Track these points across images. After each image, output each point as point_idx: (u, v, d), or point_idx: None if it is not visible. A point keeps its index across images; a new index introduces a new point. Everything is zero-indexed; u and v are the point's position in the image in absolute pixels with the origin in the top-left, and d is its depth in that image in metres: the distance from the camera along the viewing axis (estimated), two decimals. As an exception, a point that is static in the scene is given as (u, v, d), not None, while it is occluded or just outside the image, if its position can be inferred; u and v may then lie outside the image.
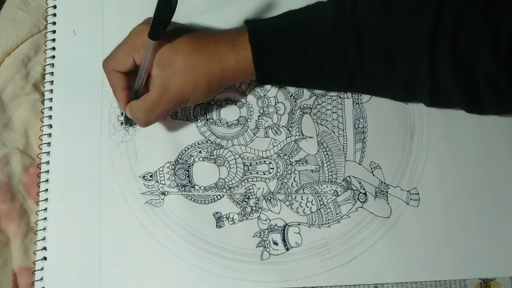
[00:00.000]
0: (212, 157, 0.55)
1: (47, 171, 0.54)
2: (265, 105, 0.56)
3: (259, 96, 0.56)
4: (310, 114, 0.56)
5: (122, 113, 0.55)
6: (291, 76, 0.52)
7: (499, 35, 0.45)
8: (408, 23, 0.47)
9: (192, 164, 0.55)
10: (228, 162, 0.55)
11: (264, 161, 0.55)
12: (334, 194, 0.55)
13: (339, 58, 0.49)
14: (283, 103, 0.56)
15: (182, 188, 0.54)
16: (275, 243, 0.53)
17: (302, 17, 0.50)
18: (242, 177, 0.55)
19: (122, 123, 0.55)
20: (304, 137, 0.56)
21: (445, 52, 0.46)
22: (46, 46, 0.57)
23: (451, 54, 0.46)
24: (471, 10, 0.45)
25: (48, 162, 0.54)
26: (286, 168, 0.55)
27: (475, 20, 0.45)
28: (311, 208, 0.54)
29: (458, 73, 0.46)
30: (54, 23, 0.57)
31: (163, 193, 0.54)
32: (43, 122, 0.55)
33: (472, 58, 0.46)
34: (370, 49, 0.48)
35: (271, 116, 0.56)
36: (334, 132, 0.56)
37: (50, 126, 0.55)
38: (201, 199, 0.54)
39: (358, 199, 0.54)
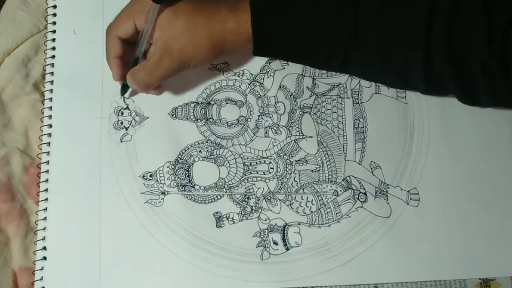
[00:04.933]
0: (212, 156, 0.55)
1: (47, 171, 0.54)
2: (265, 104, 0.56)
3: (259, 95, 0.56)
4: (310, 114, 0.56)
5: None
6: (287, 46, 0.52)
7: (494, 24, 0.45)
8: (404, 11, 0.47)
9: (192, 164, 0.55)
10: (228, 162, 0.55)
11: (264, 161, 0.55)
12: (334, 194, 0.55)
13: (336, 34, 0.48)
14: (283, 103, 0.56)
15: (182, 188, 0.54)
16: (275, 243, 0.53)
17: None
18: (242, 177, 0.55)
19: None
20: (304, 136, 0.56)
21: (439, 40, 0.46)
22: (46, 46, 0.57)
23: (445, 43, 0.46)
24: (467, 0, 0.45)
25: (48, 162, 0.54)
26: (286, 168, 0.55)
27: (470, 9, 0.45)
28: (311, 208, 0.54)
29: (452, 62, 0.46)
30: (54, 23, 0.57)
31: (163, 193, 0.54)
32: (43, 122, 0.55)
33: (467, 47, 0.46)
34: (364, 33, 0.48)
35: (271, 115, 0.56)
36: (334, 132, 0.56)
37: (50, 126, 0.55)
38: (201, 199, 0.54)
39: (358, 199, 0.54)
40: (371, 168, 0.55)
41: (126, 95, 0.56)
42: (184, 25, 0.49)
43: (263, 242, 0.53)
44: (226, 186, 0.54)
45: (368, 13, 0.47)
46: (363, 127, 0.56)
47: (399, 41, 0.47)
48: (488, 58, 0.45)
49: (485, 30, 0.45)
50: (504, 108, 0.56)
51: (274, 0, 0.49)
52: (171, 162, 0.55)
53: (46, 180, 0.54)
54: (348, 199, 0.54)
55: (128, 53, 0.51)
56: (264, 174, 0.55)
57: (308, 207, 0.54)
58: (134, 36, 0.50)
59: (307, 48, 0.51)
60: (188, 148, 0.55)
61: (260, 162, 0.55)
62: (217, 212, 0.54)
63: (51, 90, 0.56)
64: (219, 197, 0.54)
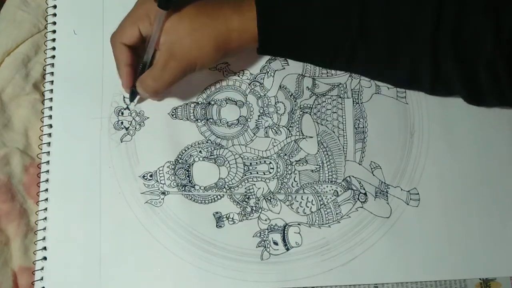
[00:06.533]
0: (212, 157, 0.55)
1: (47, 171, 0.54)
2: (265, 104, 0.56)
3: (259, 95, 0.56)
4: (310, 114, 0.56)
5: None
6: (293, 44, 0.52)
7: (500, 26, 0.45)
8: (411, 10, 0.47)
9: (192, 164, 0.55)
10: (228, 162, 0.55)
11: (264, 161, 0.55)
12: (334, 194, 0.55)
13: (342, 35, 0.48)
14: (283, 103, 0.56)
15: (182, 188, 0.54)
16: (275, 243, 0.53)
17: None
18: (242, 177, 0.55)
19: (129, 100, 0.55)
20: (304, 137, 0.56)
21: (446, 40, 0.46)
22: (46, 46, 0.57)
23: (453, 44, 0.46)
24: (474, 0, 0.45)
25: (48, 162, 0.54)
26: (286, 168, 0.55)
27: (476, 11, 0.45)
28: (311, 208, 0.54)
29: (459, 62, 0.47)
30: (54, 23, 0.57)
31: (163, 193, 0.54)
32: (43, 122, 0.55)
33: (474, 47, 0.46)
34: (372, 31, 0.48)
35: (271, 116, 0.56)
36: (334, 132, 0.56)
37: (50, 126, 0.55)
38: (201, 199, 0.54)
39: (358, 199, 0.54)
40: (371, 168, 0.55)
41: (135, 101, 0.55)
42: (188, 28, 0.48)
43: (263, 242, 0.53)
44: (226, 186, 0.54)
45: (376, 12, 0.47)
46: (363, 127, 0.56)
47: (406, 41, 0.47)
48: (494, 59, 0.45)
49: (491, 31, 0.45)
50: (505, 108, 0.56)
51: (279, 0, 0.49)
52: (171, 162, 0.55)
53: (46, 180, 0.54)
54: (348, 200, 0.54)
55: (136, 60, 0.51)
56: (264, 174, 0.55)
57: (308, 207, 0.54)
58: (140, 42, 0.50)
59: (313, 46, 0.51)
60: (188, 148, 0.55)
61: (260, 162, 0.55)
62: (217, 212, 0.54)
63: (51, 90, 0.56)
64: (219, 197, 0.54)
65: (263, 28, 0.49)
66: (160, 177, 0.54)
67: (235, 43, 0.50)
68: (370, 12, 0.47)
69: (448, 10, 0.46)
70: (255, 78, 0.57)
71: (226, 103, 0.56)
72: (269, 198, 0.54)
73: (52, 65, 0.56)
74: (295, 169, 0.55)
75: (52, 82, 0.56)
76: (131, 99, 0.55)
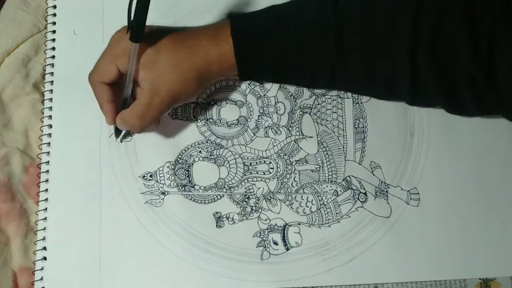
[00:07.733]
0: (212, 157, 0.55)
1: (47, 171, 0.54)
2: (265, 104, 0.56)
3: (259, 95, 0.56)
4: (310, 114, 0.56)
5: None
6: (273, 72, 0.52)
7: (479, 34, 0.45)
8: (388, 24, 0.47)
9: (192, 164, 0.55)
10: (228, 162, 0.55)
11: (264, 161, 0.55)
12: (334, 194, 0.55)
13: (320, 58, 0.49)
14: (283, 103, 0.56)
15: (182, 188, 0.54)
16: (275, 243, 0.53)
17: (285, 12, 0.50)
18: (242, 177, 0.55)
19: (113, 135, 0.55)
20: (304, 136, 0.56)
21: (425, 52, 0.46)
22: (46, 46, 0.57)
23: (431, 54, 0.46)
24: (451, 10, 0.45)
25: (48, 162, 0.54)
26: (286, 168, 0.55)
27: (454, 21, 0.45)
28: (311, 208, 0.54)
29: (438, 73, 0.46)
30: (54, 23, 0.57)
31: (163, 193, 0.54)
32: (43, 122, 0.55)
33: (452, 57, 0.46)
34: (350, 50, 0.48)
35: (271, 115, 0.56)
36: (334, 132, 0.56)
37: (50, 126, 0.55)
38: (201, 199, 0.54)
39: (358, 198, 0.54)
40: (371, 168, 0.55)
41: (120, 137, 0.55)
42: (168, 63, 0.48)
43: (263, 242, 0.53)
44: (226, 186, 0.54)
45: (352, 31, 0.47)
46: (363, 127, 0.56)
47: (384, 56, 0.47)
48: (473, 68, 0.45)
49: (470, 41, 0.45)
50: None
51: (255, 28, 0.49)
52: (171, 162, 0.55)
53: (46, 180, 0.54)
54: (348, 199, 0.54)
55: (118, 95, 0.51)
56: (264, 174, 0.55)
57: (308, 207, 0.54)
58: (119, 79, 0.49)
59: (292, 71, 0.51)
60: (188, 148, 0.55)
61: (260, 162, 0.55)
62: (217, 212, 0.54)
63: (51, 90, 0.56)
64: (219, 197, 0.54)
65: (241, 60, 0.49)
66: (160, 177, 0.54)
67: (215, 74, 0.51)
68: (347, 33, 0.47)
69: (425, 23, 0.46)
70: (255, 78, 0.57)
71: (226, 103, 0.56)
72: (269, 198, 0.54)
73: (52, 65, 0.56)
74: (295, 169, 0.55)
75: (52, 82, 0.56)
76: (117, 135, 0.54)
